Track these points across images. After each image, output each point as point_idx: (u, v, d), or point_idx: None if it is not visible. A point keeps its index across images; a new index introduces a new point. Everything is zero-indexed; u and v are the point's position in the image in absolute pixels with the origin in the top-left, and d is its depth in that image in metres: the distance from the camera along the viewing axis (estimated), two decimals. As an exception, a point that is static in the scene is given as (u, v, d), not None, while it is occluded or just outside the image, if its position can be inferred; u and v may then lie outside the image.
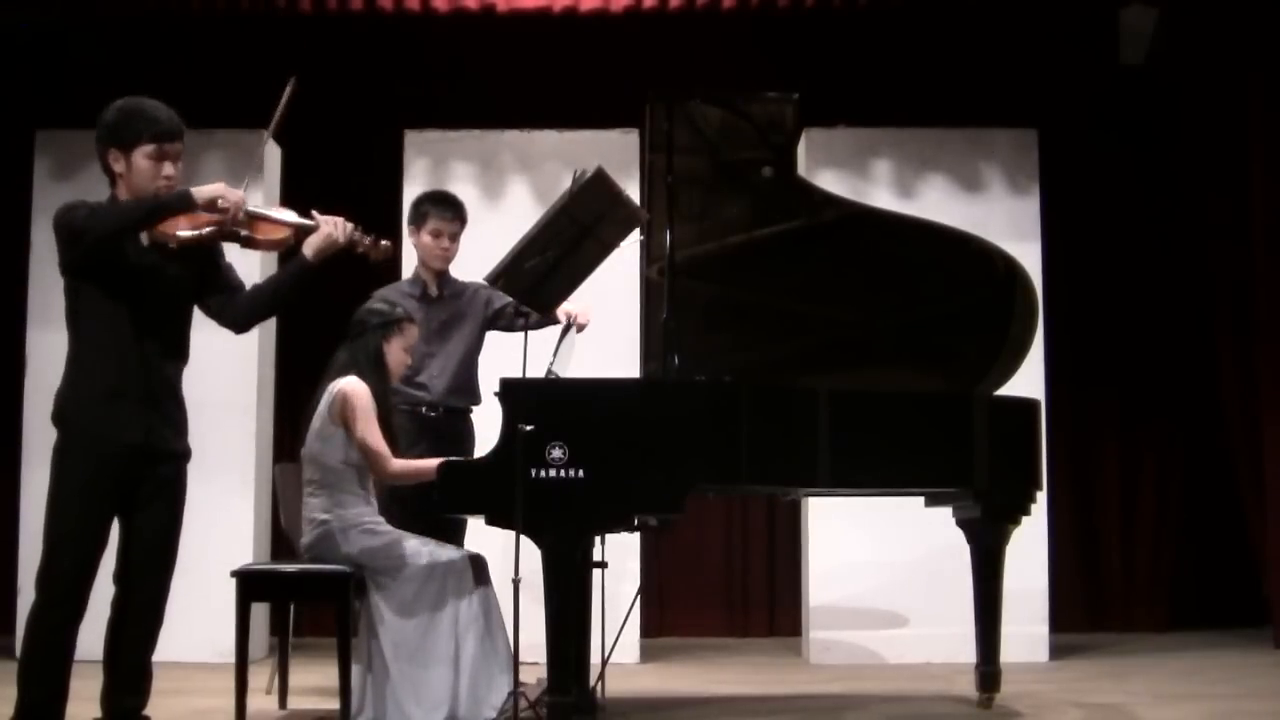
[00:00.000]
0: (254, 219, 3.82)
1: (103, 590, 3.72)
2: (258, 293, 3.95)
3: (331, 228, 3.86)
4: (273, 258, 5.81)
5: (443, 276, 5.21)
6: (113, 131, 3.72)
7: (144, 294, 3.71)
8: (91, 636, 3.76)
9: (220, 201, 3.69)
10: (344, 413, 4.37)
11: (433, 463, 4.42)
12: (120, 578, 3.79)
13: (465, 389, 5.17)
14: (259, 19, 6.83)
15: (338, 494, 4.40)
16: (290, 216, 3.90)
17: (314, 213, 3.91)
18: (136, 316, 3.69)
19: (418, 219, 5.21)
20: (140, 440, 3.69)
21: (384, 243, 4.01)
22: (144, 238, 3.73)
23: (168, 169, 3.72)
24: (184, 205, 3.67)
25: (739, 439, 4.21)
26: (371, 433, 4.36)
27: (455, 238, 5.20)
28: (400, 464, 4.43)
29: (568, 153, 6.41)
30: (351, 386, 4.39)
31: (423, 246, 5.20)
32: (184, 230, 3.70)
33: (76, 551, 3.64)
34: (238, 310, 3.92)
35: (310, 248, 3.84)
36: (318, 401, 4.45)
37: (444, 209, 5.20)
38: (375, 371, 4.47)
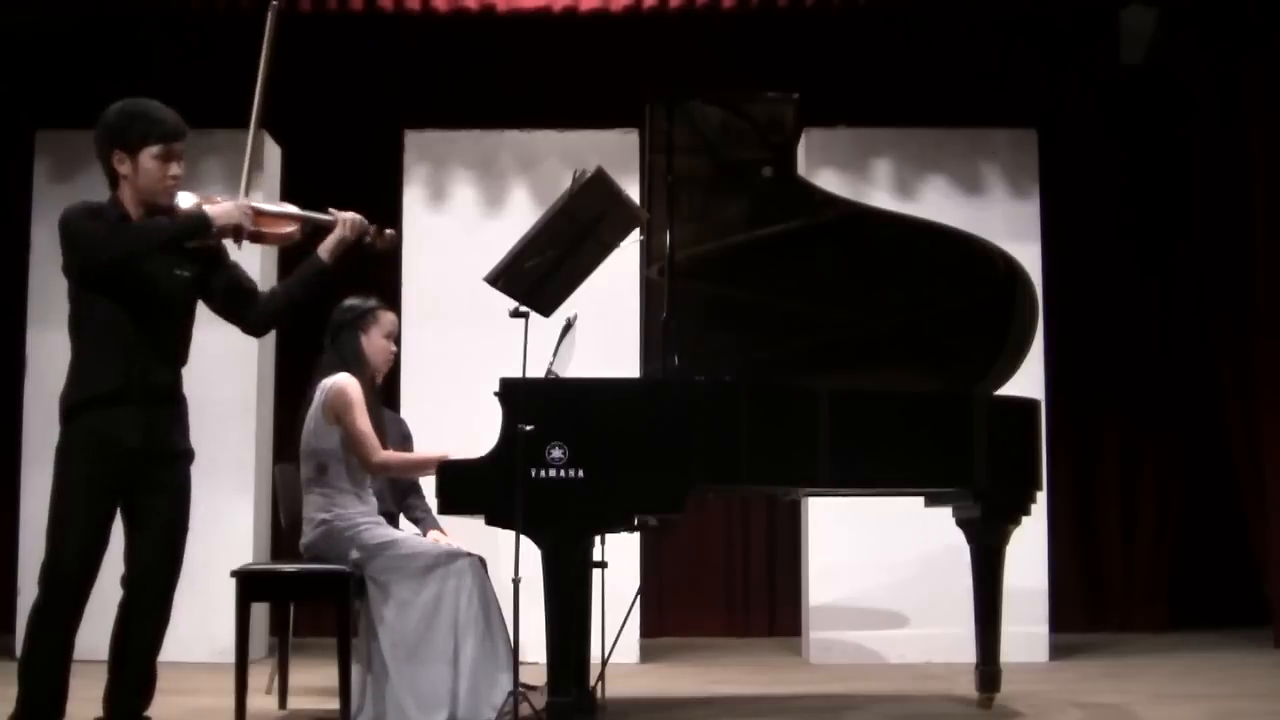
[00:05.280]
0: (260, 215, 3.82)
1: (103, 590, 3.71)
2: (274, 296, 3.94)
3: (343, 228, 3.87)
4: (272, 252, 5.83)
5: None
6: (117, 133, 3.69)
7: (148, 297, 3.70)
8: (92, 636, 3.75)
9: (239, 225, 3.70)
10: (336, 406, 4.40)
11: (422, 454, 4.42)
12: (127, 580, 3.78)
13: None
14: (259, 19, 6.80)
15: (337, 493, 4.43)
16: (297, 211, 3.91)
17: (331, 210, 3.91)
18: (139, 320, 3.67)
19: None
20: (139, 443, 3.68)
21: (388, 231, 4.05)
22: None
23: (174, 169, 3.72)
24: (204, 231, 3.66)
25: (739, 439, 4.20)
26: (362, 421, 4.41)
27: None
28: (388, 454, 4.48)
29: (568, 153, 6.40)
30: (344, 381, 4.46)
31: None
32: None
33: (78, 550, 3.63)
34: (257, 315, 3.91)
35: (325, 249, 3.87)
36: (309, 402, 4.50)
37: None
38: (358, 366, 4.53)
